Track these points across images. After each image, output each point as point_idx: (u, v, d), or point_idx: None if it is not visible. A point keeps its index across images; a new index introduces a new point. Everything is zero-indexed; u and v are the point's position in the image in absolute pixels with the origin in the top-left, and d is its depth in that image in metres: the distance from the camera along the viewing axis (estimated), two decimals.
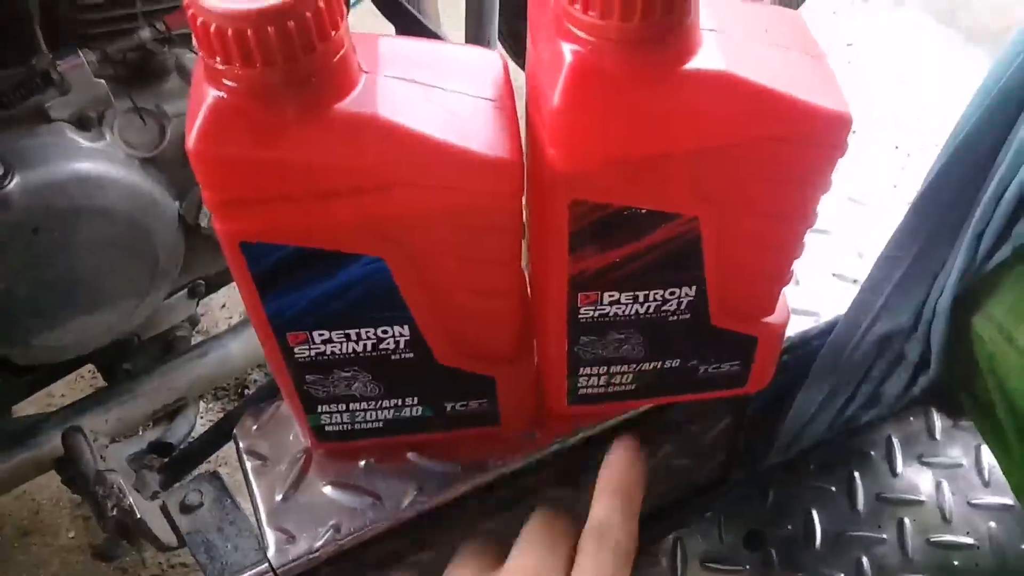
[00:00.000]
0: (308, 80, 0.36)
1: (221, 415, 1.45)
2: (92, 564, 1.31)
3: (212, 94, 0.37)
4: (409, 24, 1.00)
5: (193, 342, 1.12)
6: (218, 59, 0.35)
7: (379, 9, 1.03)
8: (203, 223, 0.89)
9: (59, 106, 0.82)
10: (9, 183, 0.78)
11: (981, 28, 2.06)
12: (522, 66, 0.51)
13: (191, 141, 0.37)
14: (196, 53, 0.37)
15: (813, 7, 1.81)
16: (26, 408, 1.11)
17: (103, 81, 0.83)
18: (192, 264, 0.98)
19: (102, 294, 0.89)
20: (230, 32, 0.34)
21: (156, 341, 1.08)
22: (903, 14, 2.15)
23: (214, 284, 1.07)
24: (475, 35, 1.02)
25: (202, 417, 1.42)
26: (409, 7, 0.98)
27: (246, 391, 1.49)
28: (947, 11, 2.13)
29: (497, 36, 1.04)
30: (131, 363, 1.07)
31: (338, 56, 0.37)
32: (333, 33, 0.36)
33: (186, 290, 1.04)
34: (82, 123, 0.83)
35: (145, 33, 0.83)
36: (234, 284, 1.04)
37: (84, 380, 1.42)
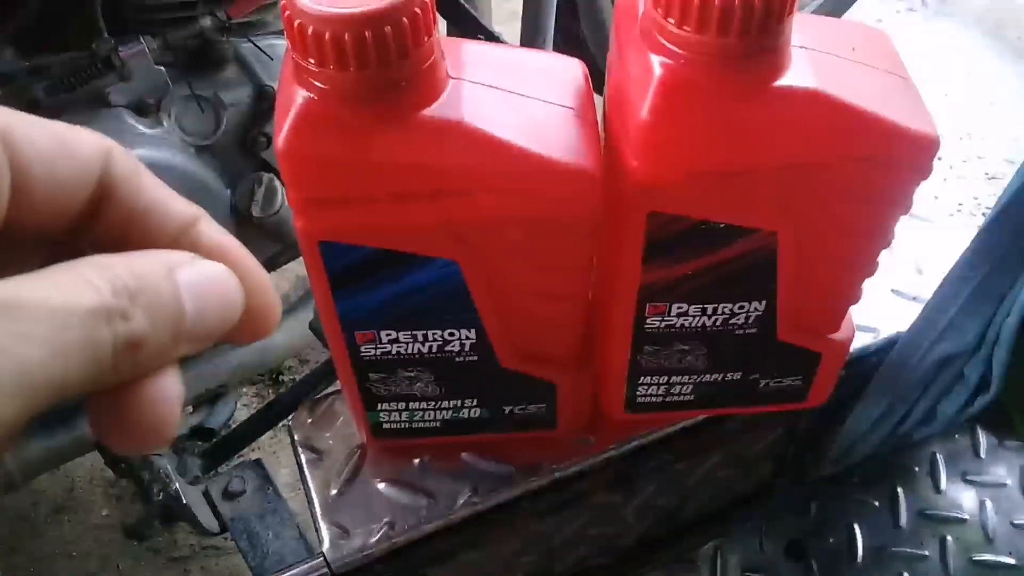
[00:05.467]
0: (399, 84, 0.37)
1: (256, 400, 1.46)
2: (124, 542, 1.32)
3: (302, 95, 0.37)
4: (462, 21, 1.00)
5: None
6: (312, 61, 0.36)
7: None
8: (255, 212, 0.89)
9: (119, 92, 0.82)
10: None
11: None
12: None
13: (280, 140, 0.37)
14: (254, 43, 0.37)
15: (857, 16, 1.78)
16: None
17: (163, 68, 0.83)
18: None
19: None
20: (327, 35, 0.34)
21: None
22: (949, 25, 2.12)
23: None
24: (531, 35, 1.01)
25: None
26: (464, 3, 0.97)
27: (280, 378, 1.49)
28: (995, 23, 2.10)
29: (552, 37, 1.03)
30: None
31: (429, 62, 0.37)
32: (426, 39, 0.36)
33: None
34: (141, 109, 0.84)
35: (206, 21, 0.83)
36: (280, 271, 1.03)
37: None
